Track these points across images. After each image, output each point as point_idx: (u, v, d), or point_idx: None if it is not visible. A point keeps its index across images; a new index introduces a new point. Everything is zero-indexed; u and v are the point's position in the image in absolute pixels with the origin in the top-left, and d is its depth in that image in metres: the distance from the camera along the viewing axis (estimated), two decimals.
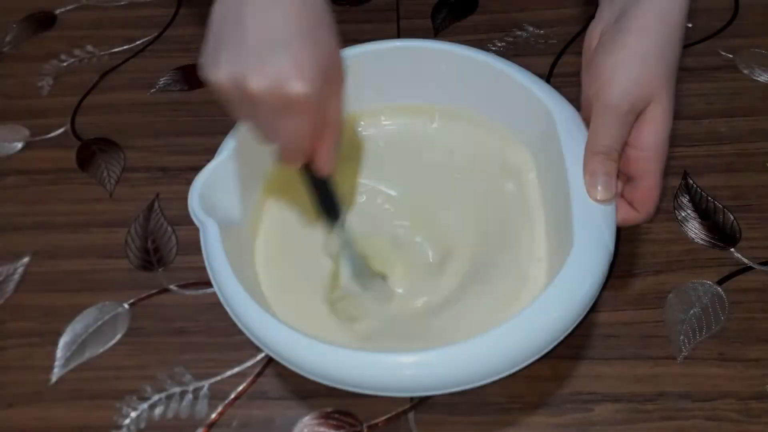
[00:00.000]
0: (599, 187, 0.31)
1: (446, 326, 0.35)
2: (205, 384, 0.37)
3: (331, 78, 0.30)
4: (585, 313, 0.30)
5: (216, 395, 0.36)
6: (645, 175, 0.32)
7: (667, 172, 0.43)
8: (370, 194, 0.41)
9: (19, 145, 0.50)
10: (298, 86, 0.28)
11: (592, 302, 0.30)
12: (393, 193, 0.41)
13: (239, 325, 0.31)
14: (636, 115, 0.32)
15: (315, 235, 0.39)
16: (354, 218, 0.39)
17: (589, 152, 0.32)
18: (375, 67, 0.41)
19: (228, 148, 0.36)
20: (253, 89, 0.28)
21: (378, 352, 0.28)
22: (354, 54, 0.39)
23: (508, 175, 0.41)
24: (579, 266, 0.30)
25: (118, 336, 0.39)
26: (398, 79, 0.42)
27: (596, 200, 0.31)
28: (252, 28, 0.28)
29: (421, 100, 0.43)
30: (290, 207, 0.41)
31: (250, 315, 0.30)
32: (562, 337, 0.29)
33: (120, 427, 0.35)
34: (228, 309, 0.31)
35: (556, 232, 0.36)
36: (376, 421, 0.35)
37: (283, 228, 0.40)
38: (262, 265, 0.38)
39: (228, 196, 0.36)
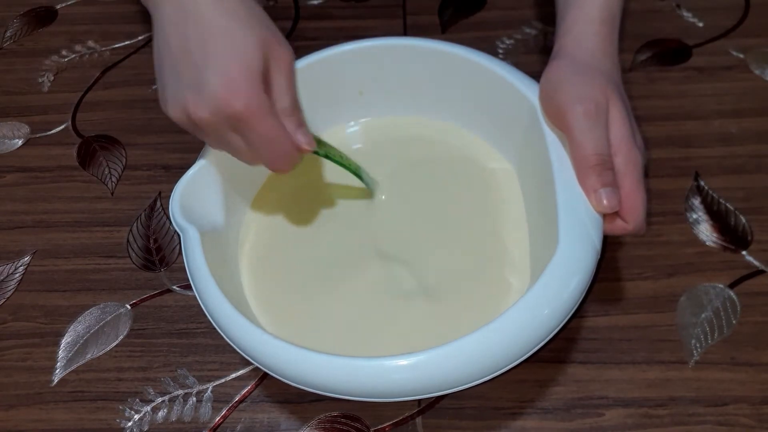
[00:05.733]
0: (605, 202, 0.31)
1: (432, 323, 0.35)
2: (209, 387, 0.36)
3: (274, 59, 0.30)
4: (574, 310, 0.30)
5: (220, 398, 0.36)
6: (621, 177, 0.31)
7: (678, 173, 0.43)
8: (345, 198, 0.41)
9: (20, 142, 0.49)
10: (237, 105, 0.28)
11: (581, 299, 0.30)
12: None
13: (220, 332, 0.31)
14: (604, 115, 0.32)
15: (303, 240, 0.39)
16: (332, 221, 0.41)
17: (584, 166, 0.31)
18: (352, 70, 0.41)
19: (208, 153, 0.36)
20: (200, 119, 0.29)
21: (366, 358, 0.28)
22: (323, 57, 0.40)
23: (489, 173, 0.41)
24: (566, 262, 0.30)
25: (120, 337, 0.38)
26: (378, 85, 0.42)
27: (602, 209, 0.31)
28: (179, 53, 0.29)
29: (401, 105, 0.43)
30: (278, 212, 0.41)
31: (231, 324, 0.30)
32: (551, 335, 0.29)
33: (123, 429, 0.35)
34: (209, 317, 0.31)
35: (539, 229, 0.36)
36: (384, 425, 0.34)
37: (271, 233, 0.40)
38: (248, 271, 0.38)
39: (211, 201, 0.36)
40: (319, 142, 0.36)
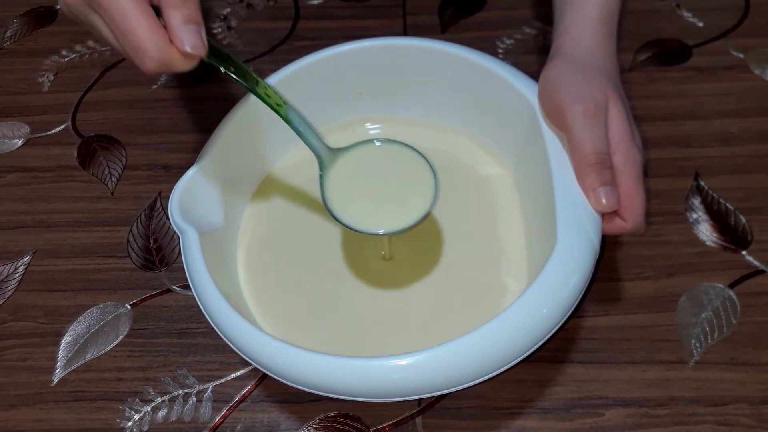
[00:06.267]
0: (603, 200, 0.31)
1: (432, 325, 0.35)
2: (209, 387, 0.36)
3: None
4: (572, 309, 0.30)
5: (220, 398, 0.36)
6: (620, 176, 0.31)
7: (678, 173, 0.43)
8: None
9: (20, 142, 0.49)
10: None
11: (579, 298, 0.30)
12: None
13: (219, 333, 0.31)
14: (603, 114, 0.32)
15: (301, 241, 0.39)
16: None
17: (583, 165, 0.31)
18: (352, 70, 0.41)
19: (208, 154, 0.36)
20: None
21: (365, 358, 0.28)
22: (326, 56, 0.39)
23: (486, 175, 0.41)
24: (564, 261, 0.30)
25: (120, 337, 0.38)
26: (378, 86, 0.42)
27: (601, 208, 0.31)
28: None
29: (401, 106, 0.43)
30: (277, 212, 0.41)
31: (229, 324, 0.30)
32: (550, 334, 0.29)
33: (123, 429, 0.35)
34: (208, 318, 0.31)
35: (537, 229, 0.36)
36: (383, 425, 0.34)
37: (270, 234, 0.40)
38: (247, 271, 0.38)
39: (210, 202, 0.36)
40: (228, 58, 0.30)
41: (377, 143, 0.35)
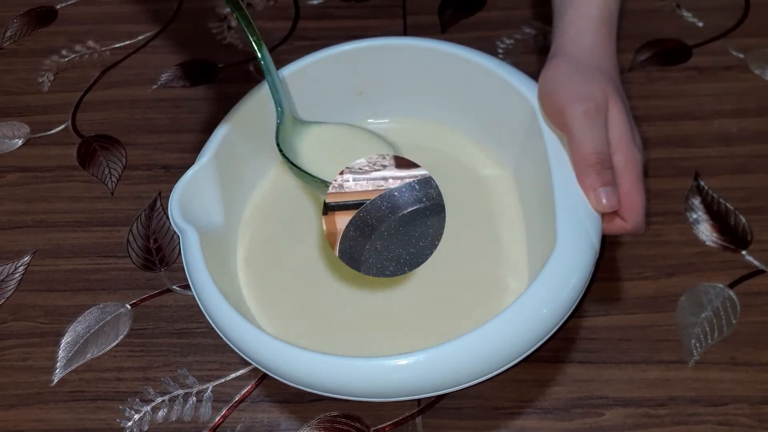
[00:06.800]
0: (604, 201, 0.31)
1: (432, 324, 0.35)
2: (209, 386, 0.36)
3: None
4: (572, 309, 0.30)
5: (220, 398, 0.36)
6: (621, 176, 0.31)
7: (678, 173, 0.43)
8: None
9: (20, 142, 0.49)
10: None
11: (579, 298, 0.30)
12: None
13: (219, 333, 0.31)
14: (604, 114, 0.32)
15: (301, 240, 0.39)
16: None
17: (583, 165, 0.31)
18: (352, 70, 0.41)
19: (208, 152, 0.36)
20: None
21: (365, 358, 0.28)
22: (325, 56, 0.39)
23: (486, 176, 0.41)
24: (564, 261, 0.30)
25: (120, 337, 0.38)
26: (378, 86, 0.42)
27: (601, 208, 0.31)
28: None
29: (401, 106, 0.43)
30: (277, 212, 0.41)
31: (229, 324, 0.30)
32: (550, 334, 0.29)
33: (123, 429, 0.35)
34: (208, 318, 0.31)
35: (538, 229, 0.36)
36: (383, 425, 0.34)
37: (270, 233, 0.40)
38: (247, 271, 0.38)
39: (210, 202, 0.36)
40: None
41: (341, 125, 0.35)
